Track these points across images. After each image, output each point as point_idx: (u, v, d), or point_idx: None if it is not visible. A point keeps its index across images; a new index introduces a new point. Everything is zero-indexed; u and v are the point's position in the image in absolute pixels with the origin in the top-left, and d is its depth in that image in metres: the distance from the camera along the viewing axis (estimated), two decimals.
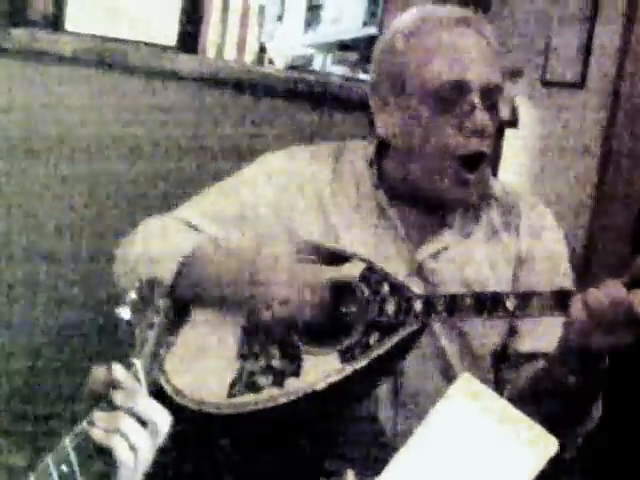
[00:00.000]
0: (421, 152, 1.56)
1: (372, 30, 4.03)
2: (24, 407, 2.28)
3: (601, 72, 3.14)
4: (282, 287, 1.47)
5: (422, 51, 1.55)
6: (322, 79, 2.67)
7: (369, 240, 1.63)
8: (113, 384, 1.06)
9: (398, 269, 1.58)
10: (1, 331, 2.30)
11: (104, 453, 1.04)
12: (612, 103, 3.04)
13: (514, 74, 3.30)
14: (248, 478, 1.48)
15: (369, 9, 4.10)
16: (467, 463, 1.10)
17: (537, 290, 1.42)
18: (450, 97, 1.53)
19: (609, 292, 1.31)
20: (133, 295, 1.14)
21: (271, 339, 1.49)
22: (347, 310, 1.49)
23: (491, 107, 1.56)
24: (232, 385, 1.45)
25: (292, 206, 1.65)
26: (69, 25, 2.39)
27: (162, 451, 1.24)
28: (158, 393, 1.36)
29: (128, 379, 1.06)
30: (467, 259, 1.63)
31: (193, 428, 1.46)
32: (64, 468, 1.02)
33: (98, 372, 1.07)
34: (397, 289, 1.47)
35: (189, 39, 2.50)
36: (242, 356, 1.49)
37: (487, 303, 1.40)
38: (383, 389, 1.58)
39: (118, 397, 1.05)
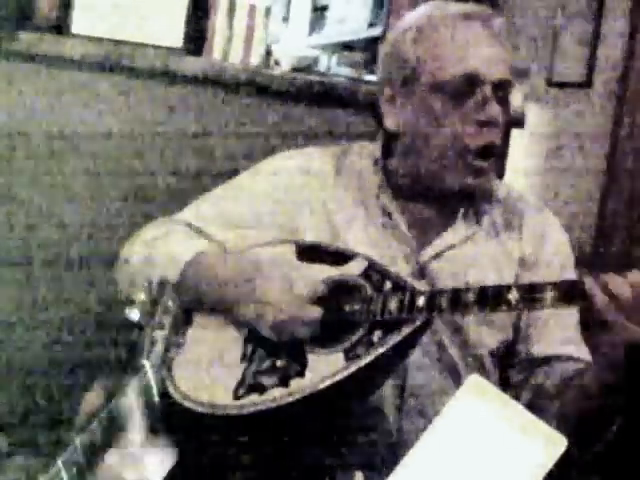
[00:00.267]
0: (433, 145, 1.57)
1: (377, 31, 4.03)
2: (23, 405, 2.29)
3: (607, 72, 3.14)
4: (278, 306, 1.45)
5: (433, 45, 1.57)
6: (327, 80, 2.68)
7: (372, 241, 1.63)
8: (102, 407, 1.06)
9: (401, 270, 1.58)
10: (1, 331, 2.31)
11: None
12: (618, 103, 3.04)
13: (520, 74, 3.30)
14: (254, 479, 1.48)
15: (374, 10, 4.10)
16: (476, 463, 1.10)
17: (540, 283, 1.42)
18: (462, 90, 1.55)
19: (633, 277, 1.33)
20: (142, 296, 1.14)
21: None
22: (350, 309, 1.49)
23: (502, 100, 1.57)
24: (237, 386, 1.45)
25: (296, 207, 1.66)
26: (75, 28, 2.39)
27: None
28: (165, 395, 1.37)
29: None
30: (470, 260, 1.63)
31: (199, 430, 1.47)
32: None
33: (91, 396, 1.08)
34: (399, 286, 1.47)
35: (195, 41, 2.50)
36: (246, 357, 1.49)
37: (490, 296, 1.40)
38: (388, 388, 1.58)
39: None
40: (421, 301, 1.43)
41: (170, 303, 1.14)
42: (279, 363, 1.46)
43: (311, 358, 1.45)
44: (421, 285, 1.55)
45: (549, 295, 1.37)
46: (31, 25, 2.37)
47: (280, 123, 2.45)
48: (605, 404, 1.45)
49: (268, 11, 2.59)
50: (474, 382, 1.14)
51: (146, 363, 1.08)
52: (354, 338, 1.44)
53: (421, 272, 1.61)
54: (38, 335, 2.33)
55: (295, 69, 2.68)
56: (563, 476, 1.12)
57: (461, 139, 1.55)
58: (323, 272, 1.50)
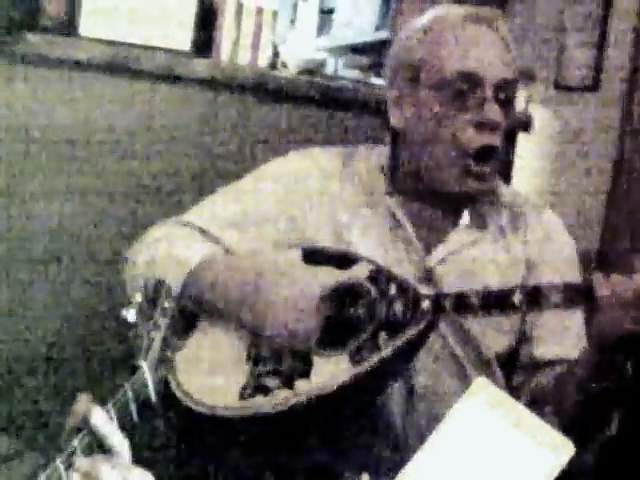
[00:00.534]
0: (432, 145, 1.58)
1: (384, 34, 4.03)
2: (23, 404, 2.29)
3: (614, 75, 3.14)
4: (280, 317, 1.45)
5: (437, 45, 1.58)
6: (334, 83, 2.68)
7: (379, 246, 1.63)
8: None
9: (407, 273, 1.58)
10: (1, 331, 2.31)
11: None
12: (626, 106, 3.04)
13: (527, 78, 3.30)
14: None
15: (381, 13, 4.11)
16: (483, 468, 1.09)
17: (544, 285, 1.43)
18: (462, 89, 1.55)
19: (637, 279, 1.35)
20: (139, 297, 1.14)
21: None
22: (355, 312, 1.49)
23: (504, 102, 1.57)
24: (243, 388, 1.46)
25: (302, 210, 1.66)
26: (83, 30, 2.39)
27: (173, 453, 1.24)
28: (168, 397, 1.37)
29: (104, 425, 1.06)
30: (476, 264, 1.63)
31: (203, 431, 1.47)
32: None
33: (80, 405, 1.07)
34: (404, 289, 1.48)
35: (203, 43, 2.50)
36: (251, 359, 1.49)
37: (494, 299, 1.41)
38: (396, 390, 1.58)
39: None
40: (426, 304, 1.44)
41: (167, 304, 1.14)
42: (284, 365, 1.46)
43: (316, 360, 1.45)
44: (427, 289, 1.55)
45: (553, 298, 1.38)
46: (39, 27, 2.37)
47: (287, 125, 2.45)
48: (602, 396, 1.45)
49: (275, 14, 2.59)
50: (480, 385, 1.14)
51: (143, 364, 1.08)
52: (359, 341, 1.45)
53: (427, 276, 1.61)
54: (38, 336, 2.33)
55: (302, 72, 2.68)
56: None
57: (459, 140, 1.55)
58: (328, 277, 1.50)
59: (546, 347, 1.62)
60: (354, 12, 4.43)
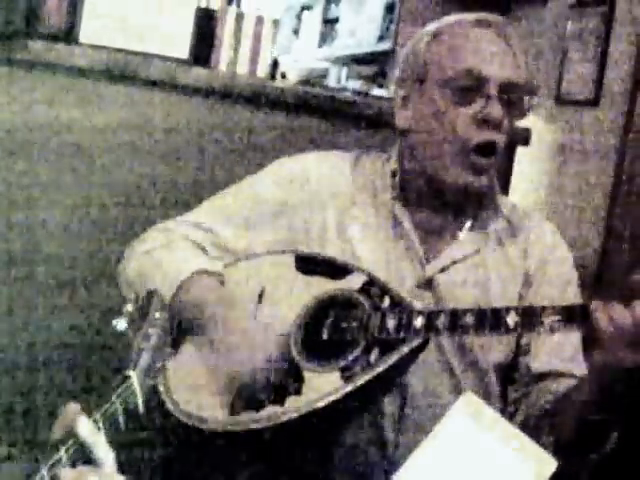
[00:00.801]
0: (435, 139, 1.59)
1: (387, 45, 4.04)
2: (22, 405, 2.29)
3: (615, 90, 3.14)
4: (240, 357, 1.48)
5: (443, 47, 1.60)
6: (334, 94, 2.68)
7: (383, 251, 1.63)
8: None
9: (408, 282, 1.59)
10: (2, 331, 2.31)
11: None
12: (626, 121, 3.04)
13: (528, 92, 3.30)
14: None
15: (384, 24, 4.12)
16: None
17: (540, 306, 1.42)
18: (466, 86, 1.56)
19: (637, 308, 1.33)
20: (130, 307, 1.14)
21: None
22: (347, 325, 1.49)
23: (509, 103, 1.58)
24: (233, 401, 1.45)
25: (307, 215, 1.66)
26: (83, 38, 2.40)
27: (162, 466, 1.23)
28: (157, 408, 1.36)
29: (90, 435, 1.05)
30: (475, 275, 1.63)
31: (194, 445, 1.46)
32: None
33: (66, 415, 1.07)
34: (398, 303, 1.47)
35: (202, 52, 2.51)
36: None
37: (488, 319, 1.40)
38: (388, 403, 1.57)
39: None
40: (419, 321, 1.44)
41: (157, 315, 1.14)
42: (275, 380, 1.46)
43: (307, 376, 1.44)
44: (428, 298, 1.56)
45: (548, 319, 1.37)
46: (39, 34, 2.37)
47: (286, 135, 2.45)
48: (599, 419, 1.44)
49: (276, 23, 2.59)
50: (467, 400, 1.14)
51: (132, 374, 1.08)
52: (351, 356, 1.44)
53: (428, 285, 1.61)
54: (39, 336, 2.33)
55: (302, 82, 2.69)
56: None
57: (461, 134, 1.56)
58: (319, 287, 1.49)
59: (543, 359, 1.62)
60: (357, 23, 4.44)
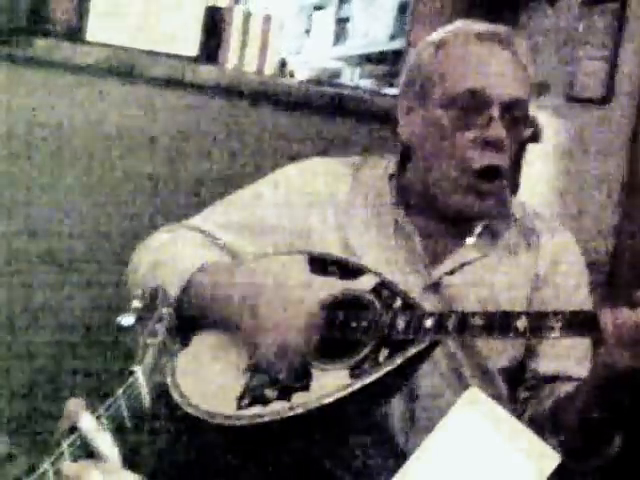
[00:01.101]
0: (438, 162, 1.57)
1: (399, 44, 4.03)
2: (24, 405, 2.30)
3: (627, 88, 3.13)
4: (275, 334, 1.45)
5: (447, 61, 1.57)
6: (340, 91, 2.68)
7: (385, 256, 1.62)
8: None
9: (414, 285, 1.58)
10: (2, 331, 2.31)
11: None
12: (637, 119, 3.02)
13: (540, 89, 3.29)
14: None
15: (397, 22, 4.11)
16: (470, 476, 1.10)
17: (550, 312, 1.40)
18: (469, 107, 1.54)
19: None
20: (137, 303, 1.14)
21: None
22: (358, 325, 1.48)
23: (513, 122, 1.56)
24: (240, 397, 1.44)
25: (309, 217, 1.66)
26: (90, 36, 2.40)
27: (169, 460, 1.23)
28: (165, 402, 1.36)
29: (92, 430, 1.05)
30: (484, 278, 1.62)
31: (200, 439, 1.46)
32: None
33: (70, 409, 1.06)
34: (409, 305, 1.46)
35: (210, 50, 2.51)
36: (250, 368, 1.48)
37: (497, 322, 1.39)
38: (398, 404, 1.57)
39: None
40: (429, 323, 1.43)
41: (164, 311, 1.14)
42: (282, 376, 1.45)
43: (316, 373, 1.43)
44: (434, 301, 1.55)
45: (558, 324, 1.35)
46: (46, 32, 2.38)
47: (293, 134, 2.45)
48: (603, 420, 1.43)
49: (283, 22, 2.60)
50: (471, 395, 1.14)
51: (137, 369, 1.07)
52: (360, 355, 1.43)
53: (434, 288, 1.60)
54: (39, 337, 2.34)
55: (310, 80, 2.69)
56: None
57: (463, 158, 1.54)
58: (329, 289, 1.49)
59: (549, 362, 1.61)
60: (370, 21, 4.43)
